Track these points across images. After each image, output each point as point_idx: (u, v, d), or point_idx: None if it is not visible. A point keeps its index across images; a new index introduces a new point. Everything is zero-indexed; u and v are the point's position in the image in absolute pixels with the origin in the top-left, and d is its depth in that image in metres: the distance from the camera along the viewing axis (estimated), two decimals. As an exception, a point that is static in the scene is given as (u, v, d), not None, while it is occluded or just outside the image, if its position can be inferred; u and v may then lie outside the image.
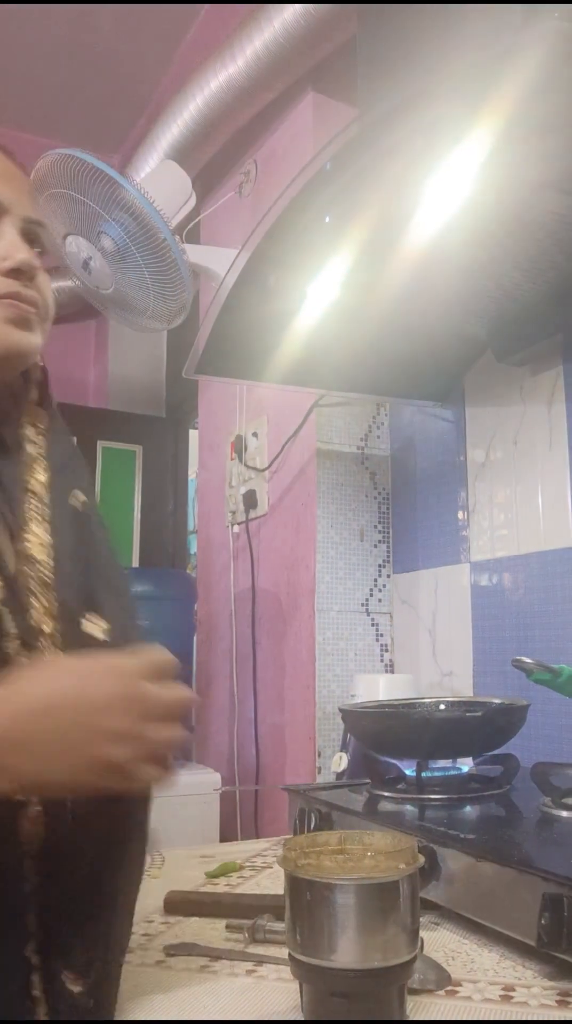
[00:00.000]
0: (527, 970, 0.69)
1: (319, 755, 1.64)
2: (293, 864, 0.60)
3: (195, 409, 2.53)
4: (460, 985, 0.67)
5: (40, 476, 0.69)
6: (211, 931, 0.83)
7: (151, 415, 3.25)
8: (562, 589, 1.31)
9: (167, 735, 0.56)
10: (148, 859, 0.69)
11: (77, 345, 3.42)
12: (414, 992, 0.64)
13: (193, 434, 3.09)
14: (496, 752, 1.09)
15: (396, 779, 1.10)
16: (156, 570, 2.77)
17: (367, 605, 1.74)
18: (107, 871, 0.62)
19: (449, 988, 0.66)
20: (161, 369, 3.36)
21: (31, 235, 0.72)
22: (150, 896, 0.94)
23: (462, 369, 1.56)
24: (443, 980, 0.67)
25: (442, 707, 1.21)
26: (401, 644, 1.72)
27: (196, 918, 0.87)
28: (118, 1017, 0.63)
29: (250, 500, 1.96)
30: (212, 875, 1.02)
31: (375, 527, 1.77)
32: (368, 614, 1.74)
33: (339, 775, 1.41)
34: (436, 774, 1.08)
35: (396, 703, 1.31)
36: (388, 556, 1.77)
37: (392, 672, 1.73)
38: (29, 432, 0.72)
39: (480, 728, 1.06)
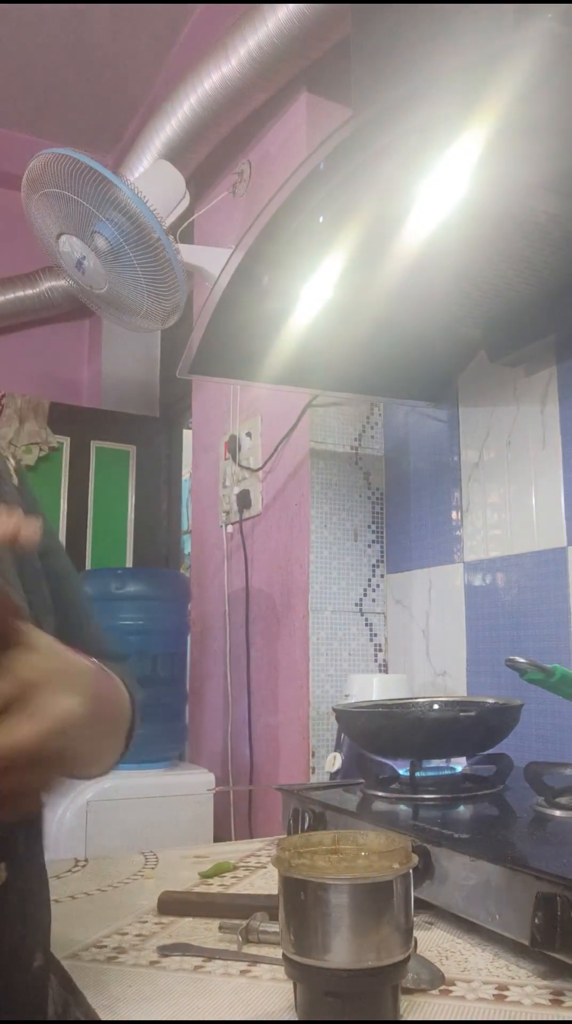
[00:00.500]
0: (520, 969, 0.69)
1: (313, 755, 1.64)
2: (287, 864, 0.59)
3: (189, 409, 2.53)
4: (454, 984, 0.67)
5: None
6: (205, 931, 0.83)
7: (145, 415, 3.24)
8: (555, 589, 1.31)
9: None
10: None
11: (71, 345, 3.41)
12: (408, 992, 0.64)
13: (187, 434, 3.09)
14: (490, 752, 1.09)
15: (390, 779, 1.10)
16: (150, 570, 2.76)
17: (361, 605, 1.74)
18: None
19: (443, 988, 0.66)
20: (155, 369, 3.36)
21: None
22: (144, 896, 0.94)
23: (456, 369, 1.56)
24: (437, 980, 0.67)
25: (436, 707, 1.21)
26: (395, 644, 1.72)
27: (190, 918, 0.87)
28: (114, 1018, 0.62)
29: (244, 500, 1.96)
30: (206, 875, 1.02)
31: (369, 527, 1.77)
32: (362, 614, 1.74)
33: (333, 775, 1.41)
34: (430, 774, 1.08)
35: (390, 703, 1.32)
36: (382, 556, 1.77)
37: (386, 672, 1.73)
38: None
39: (474, 728, 1.06)
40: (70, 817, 1.64)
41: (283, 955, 0.59)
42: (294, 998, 0.60)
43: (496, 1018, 0.61)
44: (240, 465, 1.99)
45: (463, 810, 0.99)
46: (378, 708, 1.26)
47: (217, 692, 2.07)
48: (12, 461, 0.73)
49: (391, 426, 1.78)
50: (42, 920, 0.65)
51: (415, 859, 0.61)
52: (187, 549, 3.05)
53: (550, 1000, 0.64)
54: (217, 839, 1.79)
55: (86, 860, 1.13)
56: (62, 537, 2.90)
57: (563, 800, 0.93)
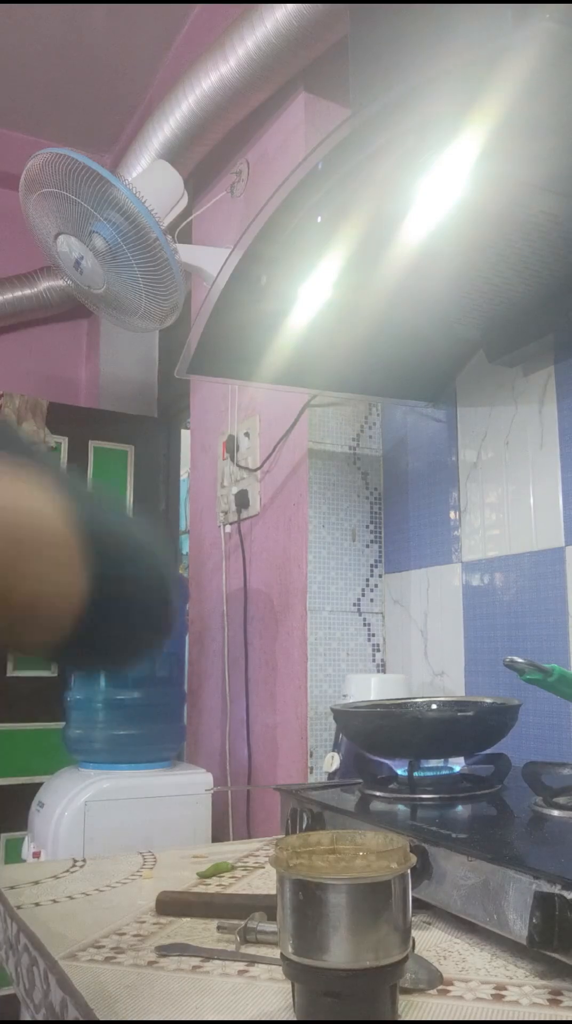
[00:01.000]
0: (518, 969, 0.70)
1: (311, 755, 1.65)
2: (285, 864, 0.59)
3: (187, 409, 2.53)
4: (452, 984, 0.67)
5: None
6: (203, 931, 0.83)
7: (143, 415, 3.24)
8: (553, 589, 1.31)
9: None
10: None
11: (68, 345, 3.41)
12: (406, 992, 0.64)
13: (185, 434, 3.09)
14: (488, 752, 1.09)
15: (388, 779, 1.10)
16: (148, 570, 2.76)
17: (359, 605, 1.74)
18: None
19: (441, 987, 0.66)
20: (153, 369, 3.36)
21: None
22: (142, 897, 0.94)
23: (454, 369, 1.56)
24: (435, 979, 0.67)
25: (434, 707, 1.21)
26: (393, 644, 1.72)
27: (188, 918, 0.87)
28: (111, 1018, 0.62)
29: (242, 500, 1.96)
30: (204, 875, 1.02)
31: (367, 527, 1.77)
32: (360, 614, 1.74)
33: (331, 775, 1.41)
34: (428, 774, 1.08)
35: (388, 703, 1.32)
36: (380, 556, 1.77)
37: (384, 672, 1.73)
38: None
39: (472, 728, 1.06)
40: (68, 817, 1.64)
41: (281, 955, 0.59)
42: (292, 998, 0.60)
43: (494, 1018, 0.61)
44: (238, 465, 1.99)
45: (461, 810, 0.99)
46: (376, 708, 1.26)
47: (215, 692, 2.07)
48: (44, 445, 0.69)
49: (389, 426, 1.78)
50: None
51: (413, 859, 0.61)
52: (185, 549, 3.05)
53: (548, 1000, 0.64)
54: (215, 839, 1.79)
55: (84, 860, 1.13)
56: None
57: (561, 800, 0.93)
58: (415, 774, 1.05)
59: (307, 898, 0.57)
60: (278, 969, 0.63)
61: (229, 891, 0.95)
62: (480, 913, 0.74)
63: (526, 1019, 0.60)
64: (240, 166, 2.12)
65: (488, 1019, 0.61)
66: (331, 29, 1.70)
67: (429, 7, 0.93)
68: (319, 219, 1.09)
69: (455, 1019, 0.61)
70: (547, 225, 1.07)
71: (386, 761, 1.11)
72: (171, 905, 0.89)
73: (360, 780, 1.13)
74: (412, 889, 0.61)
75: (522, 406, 1.41)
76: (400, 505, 1.73)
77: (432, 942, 0.77)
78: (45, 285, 3.07)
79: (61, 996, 0.69)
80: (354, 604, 1.74)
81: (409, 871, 0.60)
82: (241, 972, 0.72)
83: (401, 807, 1.01)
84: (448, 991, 0.66)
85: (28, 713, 2.72)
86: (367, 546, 1.76)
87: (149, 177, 1.71)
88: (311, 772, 1.64)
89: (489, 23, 0.82)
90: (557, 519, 1.32)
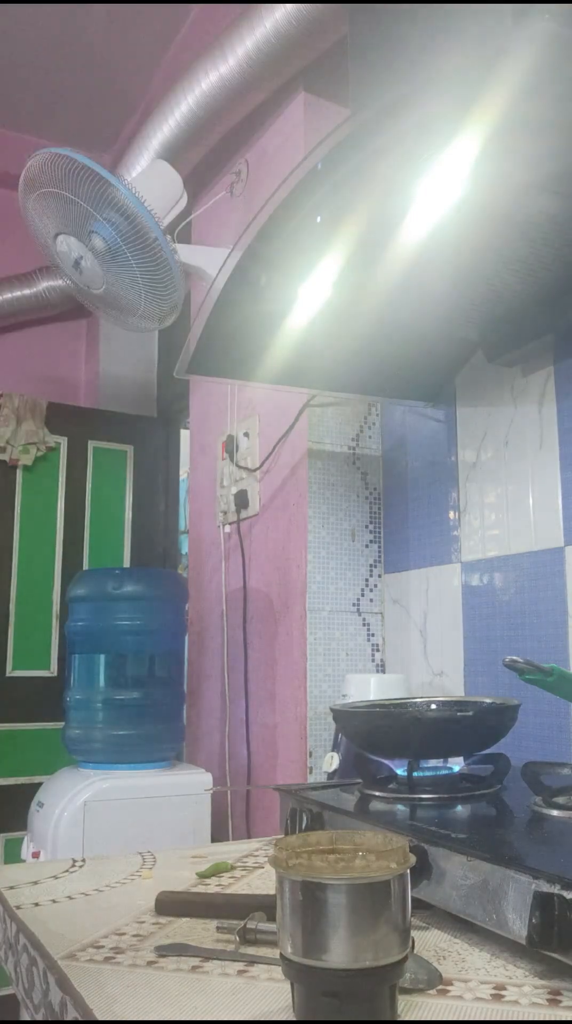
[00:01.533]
0: (518, 969, 0.70)
1: (310, 755, 1.65)
2: (284, 864, 0.59)
3: (186, 409, 2.53)
4: (451, 984, 0.67)
5: None
6: (202, 932, 0.83)
7: (142, 415, 3.24)
8: (552, 589, 1.31)
9: None
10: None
11: (68, 345, 3.41)
12: (405, 991, 0.64)
13: (184, 434, 3.09)
14: (487, 752, 1.09)
15: (387, 779, 1.10)
16: (147, 570, 2.76)
17: (358, 605, 1.74)
18: None
19: (440, 987, 0.66)
20: (152, 369, 3.36)
21: None
22: (141, 897, 0.94)
23: (453, 369, 1.56)
24: (434, 979, 0.67)
25: (433, 707, 1.21)
26: (392, 644, 1.72)
27: (187, 918, 0.87)
28: (111, 1018, 0.62)
29: (241, 500, 1.96)
30: (203, 875, 1.02)
31: (366, 527, 1.77)
32: (359, 614, 1.74)
33: (330, 775, 1.41)
34: (427, 774, 1.08)
35: (387, 703, 1.32)
36: (379, 556, 1.77)
37: (383, 672, 1.73)
38: None
39: (471, 728, 1.06)
40: (67, 817, 1.64)
41: (281, 955, 0.59)
42: (292, 998, 0.60)
43: (494, 1018, 0.61)
44: (238, 465, 1.99)
45: (460, 810, 0.99)
46: (375, 708, 1.26)
47: (215, 692, 2.07)
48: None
49: (389, 426, 1.78)
50: None
51: (412, 859, 0.61)
52: (184, 549, 3.05)
53: (547, 1000, 0.64)
54: (215, 839, 1.79)
55: (83, 860, 1.13)
56: (59, 537, 2.90)
57: (560, 800, 0.93)
58: (414, 774, 1.05)
59: (306, 898, 0.57)
60: (277, 969, 0.63)
61: (228, 891, 0.95)
62: (479, 913, 0.74)
63: (526, 1019, 0.60)
64: (239, 166, 2.12)
65: (487, 1019, 0.61)
66: (331, 29, 1.70)
67: (429, 7, 0.93)
68: (318, 219, 1.09)
69: (454, 1019, 0.61)
70: (547, 225, 1.07)
71: (385, 761, 1.11)
72: (170, 905, 0.89)
73: (359, 780, 1.13)
74: (411, 889, 0.61)
75: (521, 406, 1.41)
76: (399, 505, 1.73)
77: (431, 942, 0.77)
78: (45, 285, 3.07)
79: (60, 996, 0.69)
80: (353, 604, 1.74)
81: (408, 871, 0.60)
82: (240, 972, 0.72)
83: (400, 807, 1.01)
84: (447, 991, 0.66)
85: (28, 713, 2.72)
86: (366, 546, 1.77)
87: (148, 177, 1.71)
88: (310, 772, 1.64)
89: (489, 23, 0.82)
90: (556, 519, 1.32)
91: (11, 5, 2.48)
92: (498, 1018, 0.61)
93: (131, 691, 1.84)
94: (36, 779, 2.23)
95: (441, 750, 1.09)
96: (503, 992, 0.65)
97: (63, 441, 2.95)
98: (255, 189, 2.04)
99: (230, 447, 2.03)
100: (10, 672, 2.76)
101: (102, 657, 1.87)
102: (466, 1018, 0.61)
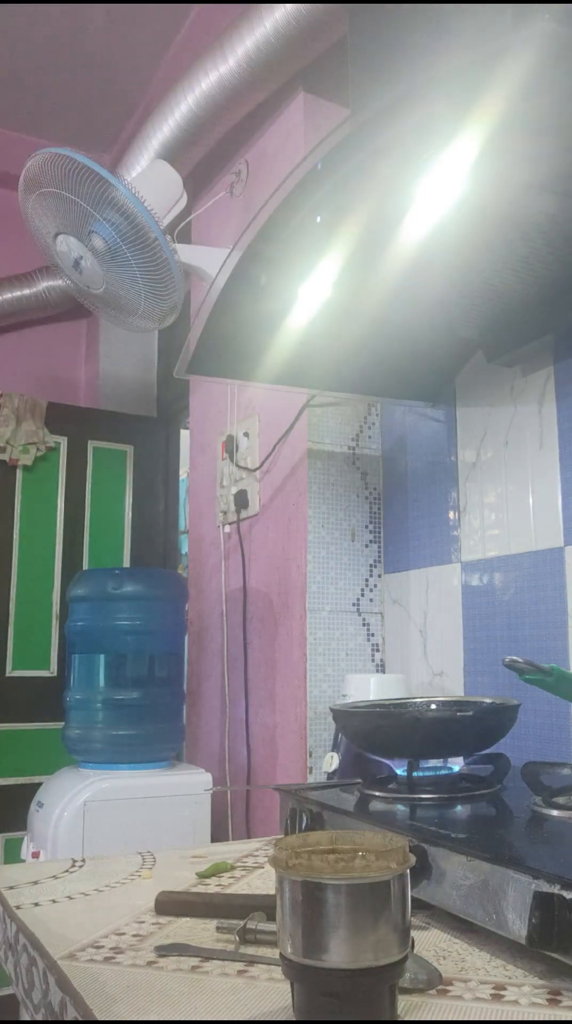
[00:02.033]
0: (518, 969, 0.70)
1: (310, 755, 1.65)
2: (284, 864, 0.59)
3: (186, 409, 2.53)
4: (451, 984, 0.67)
5: None
6: (202, 932, 0.83)
7: (142, 415, 3.24)
8: (552, 589, 1.31)
9: None
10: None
11: (68, 344, 3.41)
12: (405, 991, 0.64)
13: (184, 434, 3.09)
14: (487, 751, 1.09)
15: (387, 779, 1.10)
16: (147, 570, 2.76)
17: (358, 605, 1.74)
18: None
19: (440, 987, 0.66)
20: (152, 369, 3.36)
21: None
22: (141, 897, 0.94)
23: (453, 369, 1.56)
24: (434, 979, 0.67)
25: (433, 707, 1.21)
26: (392, 644, 1.72)
27: (187, 918, 0.87)
28: (110, 1018, 0.62)
29: (241, 500, 1.96)
30: (203, 875, 1.02)
31: (366, 527, 1.77)
32: (359, 614, 1.74)
33: (330, 775, 1.41)
34: (427, 773, 1.08)
35: (387, 703, 1.32)
36: (379, 556, 1.77)
37: (383, 672, 1.73)
38: None
39: (471, 728, 1.06)
40: (67, 817, 1.64)
41: (280, 955, 0.59)
42: (291, 998, 0.60)
43: (493, 1018, 0.61)
44: (237, 465, 1.99)
45: (460, 810, 0.99)
46: (375, 708, 1.26)
47: (215, 692, 2.07)
48: None
49: (389, 426, 1.78)
50: None
51: (412, 859, 0.61)
52: (184, 549, 3.05)
53: (547, 1000, 0.64)
54: (214, 839, 1.79)
55: (83, 860, 1.13)
56: (59, 537, 2.90)
57: (560, 800, 0.93)
58: (414, 774, 1.05)
59: (306, 898, 0.57)
60: (277, 969, 0.63)
61: (228, 891, 0.95)
62: (479, 913, 0.74)
63: (525, 1019, 0.61)
64: (239, 166, 2.12)
65: (487, 1019, 0.61)
66: (330, 29, 1.70)
67: (428, 7, 0.93)
68: (318, 219, 1.09)
69: (454, 1019, 0.61)
70: (546, 225, 1.07)
71: (385, 761, 1.11)
72: (170, 905, 0.89)
73: (359, 780, 1.13)
74: (411, 889, 0.61)
75: (521, 406, 1.41)
76: (399, 505, 1.73)
77: (431, 942, 0.77)
78: (44, 285, 3.07)
79: (60, 996, 0.69)
80: (353, 604, 1.74)
81: (408, 871, 0.60)
82: (240, 972, 0.72)
83: (400, 807, 1.01)
84: (447, 991, 0.66)
85: (28, 713, 2.72)
86: (366, 546, 1.77)
87: (148, 177, 1.71)
88: (310, 772, 1.64)
89: (488, 23, 0.82)
90: (556, 519, 1.32)
91: (11, 5, 2.48)
92: (498, 1018, 0.61)
93: (131, 691, 1.84)
94: (36, 779, 2.23)
95: (441, 750, 1.09)
96: (503, 992, 0.65)
97: (63, 441, 2.95)
98: (255, 189, 2.04)
99: (230, 447, 2.03)
100: (10, 672, 2.76)
101: (102, 657, 1.87)
102: (466, 1018, 0.61)
